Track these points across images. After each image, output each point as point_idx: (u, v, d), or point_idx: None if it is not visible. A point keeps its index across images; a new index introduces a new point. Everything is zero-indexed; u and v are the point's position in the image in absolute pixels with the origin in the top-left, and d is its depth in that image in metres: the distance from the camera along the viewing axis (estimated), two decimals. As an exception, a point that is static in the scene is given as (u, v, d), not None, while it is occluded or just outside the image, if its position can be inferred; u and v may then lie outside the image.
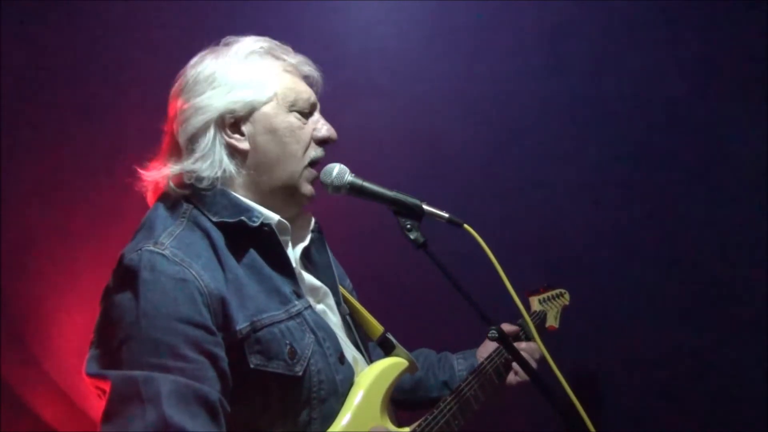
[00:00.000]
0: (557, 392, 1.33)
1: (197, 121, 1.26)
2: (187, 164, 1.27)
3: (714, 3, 2.25)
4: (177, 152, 1.30)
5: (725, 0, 2.24)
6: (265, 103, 1.30)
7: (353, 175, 1.38)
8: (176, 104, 1.31)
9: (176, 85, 1.33)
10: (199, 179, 1.27)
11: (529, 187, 2.40)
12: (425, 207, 1.37)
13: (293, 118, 1.33)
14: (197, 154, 1.27)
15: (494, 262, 1.35)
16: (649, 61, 2.31)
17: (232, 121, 1.29)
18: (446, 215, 1.37)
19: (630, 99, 2.33)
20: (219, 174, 1.27)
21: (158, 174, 1.30)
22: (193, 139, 1.28)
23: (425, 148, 2.42)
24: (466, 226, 1.37)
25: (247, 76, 1.29)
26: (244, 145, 1.29)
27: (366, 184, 1.37)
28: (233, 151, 1.29)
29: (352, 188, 1.37)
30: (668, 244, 2.32)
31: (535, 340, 1.44)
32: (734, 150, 2.26)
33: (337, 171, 1.37)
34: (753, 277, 2.25)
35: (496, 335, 1.45)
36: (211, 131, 1.27)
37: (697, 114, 2.29)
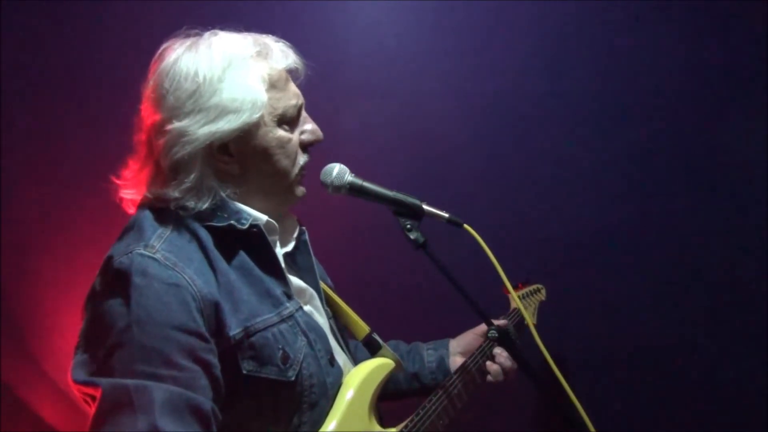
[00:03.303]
0: (554, 389, 1.33)
1: (183, 150, 1.18)
2: (173, 192, 1.20)
3: (714, 3, 2.25)
4: (159, 175, 1.23)
5: (725, 0, 2.24)
6: (254, 123, 1.22)
7: (353, 175, 1.37)
8: (153, 116, 1.22)
9: (151, 85, 1.24)
10: (185, 208, 1.21)
11: (529, 187, 2.40)
12: (425, 207, 1.37)
13: (282, 132, 1.27)
14: (185, 185, 1.20)
15: (494, 261, 1.36)
16: (650, 61, 2.31)
17: (220, 144, 1.21)
18: (446, 215, 1.37)
19: (630, 99, 2.33)
20: (207, 205, 1.22)
21: (138, 195, 1.26)
22: (179, 167, 1.20)
23: (425, 148, 2.42)
24: (466, 226, 1.37)
25: (234, 95, 1.19)
26: (233, 168, 1.25)
27: (366, 184, 1.37)
28: (222, 174, 1.24)
29: (352, 188, 1.36)
30: (668, 243, 2.32)
31: (535, 337, 1.44)
32: (734, 150, 2.26)
33: (337, 171, 1.36)
34: (753, 277, 2.25)
35: (496, 335, 1.45)
36: (199, 161, 1.20)
37: (697, 114, 2.29)
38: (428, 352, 1.69)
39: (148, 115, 1.24)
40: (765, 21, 2.22)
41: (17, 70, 2.42)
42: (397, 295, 2.40)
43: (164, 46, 1.27)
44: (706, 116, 2.28)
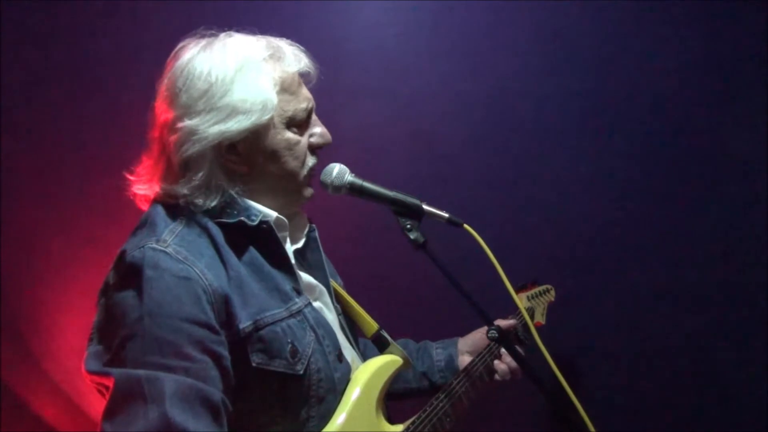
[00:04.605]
0: (555, 390, 1.33)
1: (193, 147, 1.21)
2: (183, 189, 1.23)
3: (714, 3, 2.25)
4: (170, 171, 1.25)
5: (725, 0, 2.24)
6: (263, 124, 1.24)
7: (353, 175, 1.38)
8: (166, 113, 1.25)
9: (165, 83, 1.26)
10: (194, 205, 1.24)
11: (528, 187, 2.40)
12: (425, 207, 1.37)
13: (291, 134, 1.29)
14: (194, 183, 1.23)
15: (494, 261, 1.36)
16: (650, 61, 2.31)
17: (229, 144, 1.24)
18: (446, 215, 1.38)
19: (630, 99, 2.33)
20: (216, 203, 1.24)
21: (150, 190, 1.28)
22: (189, 164, 1.23)
23: (425, 148, 2.42)
24: (466, 226, 1.37)
25: (245, 96, 1.22)
26: (242, 167, 1.27)
27: (366, 184, 1.38)
28: (231, 173, 1.26)
29: (352, 188, 1.37)
30: (668, 243, 2.32)
31: (534, 338, 1.44)
32: (734, 150, 2.26)
33: (337, 171, 1.37)
34: (753, 277, 2.25)
35: (496, 335, 1.46)
36: (208, 159, 1.23)
37: (697, 114, 2.29)
38: (437, 351, 1.71)
39: (161, 111, 1.26)
40: (765, 21, 2.22)
41: (19, 68, 2.42)
42: (398, 295, 2.40)
43: (180, 45, 1.29)
44: (707, 116, 2.28)
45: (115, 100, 2.40)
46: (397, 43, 2.41)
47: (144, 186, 1.29)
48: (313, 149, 1.35)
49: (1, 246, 2.43)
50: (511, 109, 2.39)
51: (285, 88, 1.27)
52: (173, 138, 1.22)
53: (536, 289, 1.99)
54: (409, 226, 1.36)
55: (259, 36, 1.31)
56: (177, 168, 1.24)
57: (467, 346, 1.70)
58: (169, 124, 1.24)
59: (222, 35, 1.29)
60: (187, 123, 1.21)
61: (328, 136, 1.37)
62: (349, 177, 1.37)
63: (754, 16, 2.23)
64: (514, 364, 1.63)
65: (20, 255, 2.46)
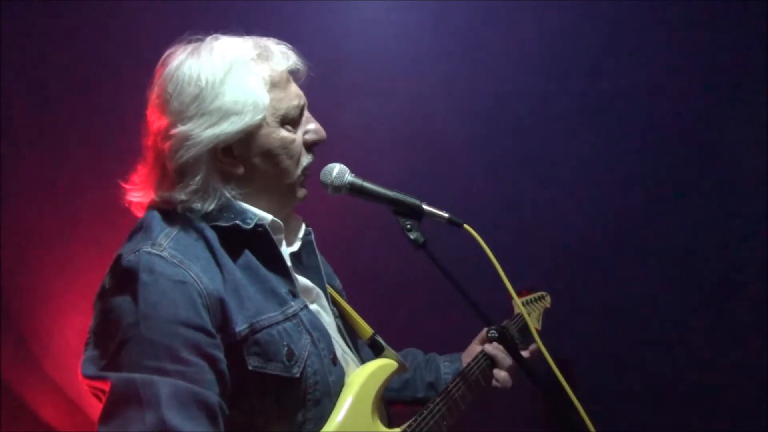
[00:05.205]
0: (555, 390, 1.33)
1: (188, 153, 1.21)
2: (180, 195, 1.23)
3: (714, 3, 2.25)
4: (166, 178, 1.25)
5: (725, 0, 2.24)
6: (257, 124, 1.25)
7: (353, 175, 1.38)
8: (158, 120, 1.25)
9: (156, 90, 1.26)
10: (192, 210, 1.24)
11: (528, 187, 2.40)
12: (425, 207, 1.37)
13: (285, 133, 1.29)
14: (191, 188, 1.23)
15: (494, 261, 1.36)
16: (649, 61, 2.31)
17: (224, 146, 1.24)
18: (446, 215, 1.38)
19: (630, 99, 2.33)
20: (213, 206, 1.24)
21: (145, 198, 1.28)
22: (184, 170, 1.23)
23: (425, 149, 2.42)
24: (466, 226, 1.37)
25: (235, 97, 1.22)
26: (238, 169, 1.27)
27: (366, 184, 1.38)
28: (227, 176, 1.27)
29: (352, 188, 1.37)
30: (668, 243, 2.32)
31: (534, 340, 1.45)
32: (734, 150, 2.26)
33: (337, 171, 1.37)
34: (752, 277, 2.25)
35: (496, 335, 1.46)
36: (204, 163, 1.23)
37: (697, 114, 2.29)
38: (444, 363, 1.73)
39: (153, 119, 1.27)
40: (765, 21, 2.22)
41: (19, 72, 2.42)
42: (398, 295, 2.40)
43: (168, 51, 1.29)
44: (707, 116, 2.28)
45: (117, 102, 2.39)
46: (397, 43, 2.41)
47: (139, 194, 1.29)
48: (308, 146, 1.35)
49: (1, 246, 2.43)
50: (511, 109, 2.39)
51: (275, 87, 1.28)
52: (167, 145, 1.22)
53: (531, 296, 2.00)
54: (409, 226, 1.36)
55: (246, 37, 1.31)
56: (173, 174, 1.24)
57: (469, 358, 1.71)
58: (162, 131, 1.24)
59: (208, 39, 1.29)
60: (180, 129, 1.21)
61: (323, 132, 1.37)
62: (349, 177, 1.37)
63: (754, 16, 2.23)
64: (503, 374, 1.63)
65: (20, 255, 2.46)
